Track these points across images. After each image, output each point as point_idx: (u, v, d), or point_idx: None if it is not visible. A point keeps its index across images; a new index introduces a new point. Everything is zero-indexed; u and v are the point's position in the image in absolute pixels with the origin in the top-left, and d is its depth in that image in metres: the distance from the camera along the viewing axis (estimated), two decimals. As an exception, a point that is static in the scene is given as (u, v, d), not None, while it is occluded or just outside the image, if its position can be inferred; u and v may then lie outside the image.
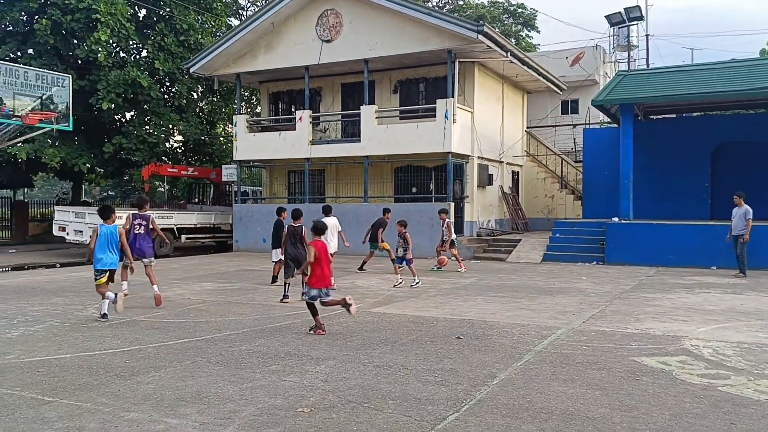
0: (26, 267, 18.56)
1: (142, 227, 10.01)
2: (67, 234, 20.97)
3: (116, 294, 8.70)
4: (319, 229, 7.83)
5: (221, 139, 30.39)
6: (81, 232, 20.41)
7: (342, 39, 20.01)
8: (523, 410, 4.85)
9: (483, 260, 18.11)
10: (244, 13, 35.83)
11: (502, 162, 22.79)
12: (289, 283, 10.32)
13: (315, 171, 22.36)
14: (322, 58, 20.30)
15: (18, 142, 16.82)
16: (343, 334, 7.67)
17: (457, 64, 19.08)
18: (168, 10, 25.50)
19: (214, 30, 27.92)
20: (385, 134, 19.75)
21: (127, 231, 9.64)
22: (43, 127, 14.35)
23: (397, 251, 12.79)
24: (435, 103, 19.07)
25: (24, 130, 14.63)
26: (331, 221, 12.46)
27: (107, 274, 8.64)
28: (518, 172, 24.70)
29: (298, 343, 7.23)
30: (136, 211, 10.16)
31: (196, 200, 29.85)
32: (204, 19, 27.35)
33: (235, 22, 30.48)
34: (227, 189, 27.80)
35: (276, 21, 20.68)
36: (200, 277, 14.31)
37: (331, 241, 12.03)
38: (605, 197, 19.91)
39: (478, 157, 20.62)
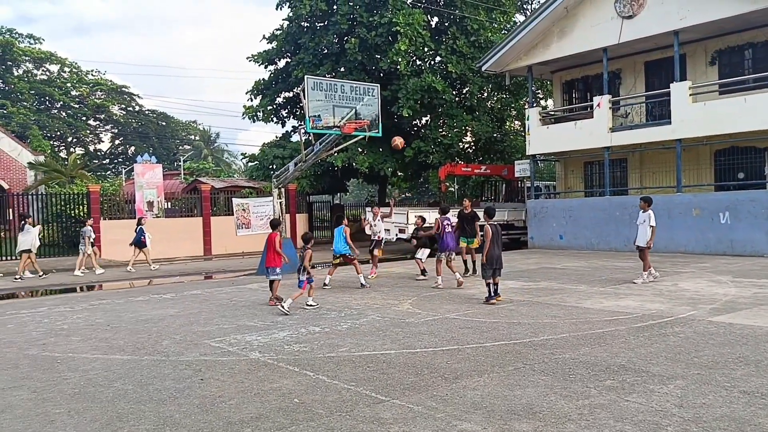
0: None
1: (450, 226, 12.62)
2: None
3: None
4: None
5: (511, 136, 30.17)
6: (388, 230, 21.97)
7: (646, 12, 17.98)
8: None
9: None
10: (529, 7, 35.14)
11: None
12: (493, 283, 9.97)
13: (615, 160, 20.60)
14: (622, 36, 18.53)
15: (335, 152, 18.73)
16: (685, 348, 6.48)
17: (799, 18, 15.65)
18: (458, 13, 26.14)
19: (501, 27, 27.82)
20: (701, 113, 17.15)
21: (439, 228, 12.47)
22: (357, 136, 15.56)
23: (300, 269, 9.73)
24: (769, 70, 15.92)
25: (340, 140, 16.12)
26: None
27: (339, 257, 12.19)
28: None
29: (630, 354, 6.28)
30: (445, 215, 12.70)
31: (486, 198, 30.12)
32: (493, 16, 27.41)
33: (520, 18, 29.98)
34: (519, 185, 27.43)
35: (570, 5, 19.56)
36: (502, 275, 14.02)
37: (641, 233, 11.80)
38: None
39: (834, 132, 16.61)
